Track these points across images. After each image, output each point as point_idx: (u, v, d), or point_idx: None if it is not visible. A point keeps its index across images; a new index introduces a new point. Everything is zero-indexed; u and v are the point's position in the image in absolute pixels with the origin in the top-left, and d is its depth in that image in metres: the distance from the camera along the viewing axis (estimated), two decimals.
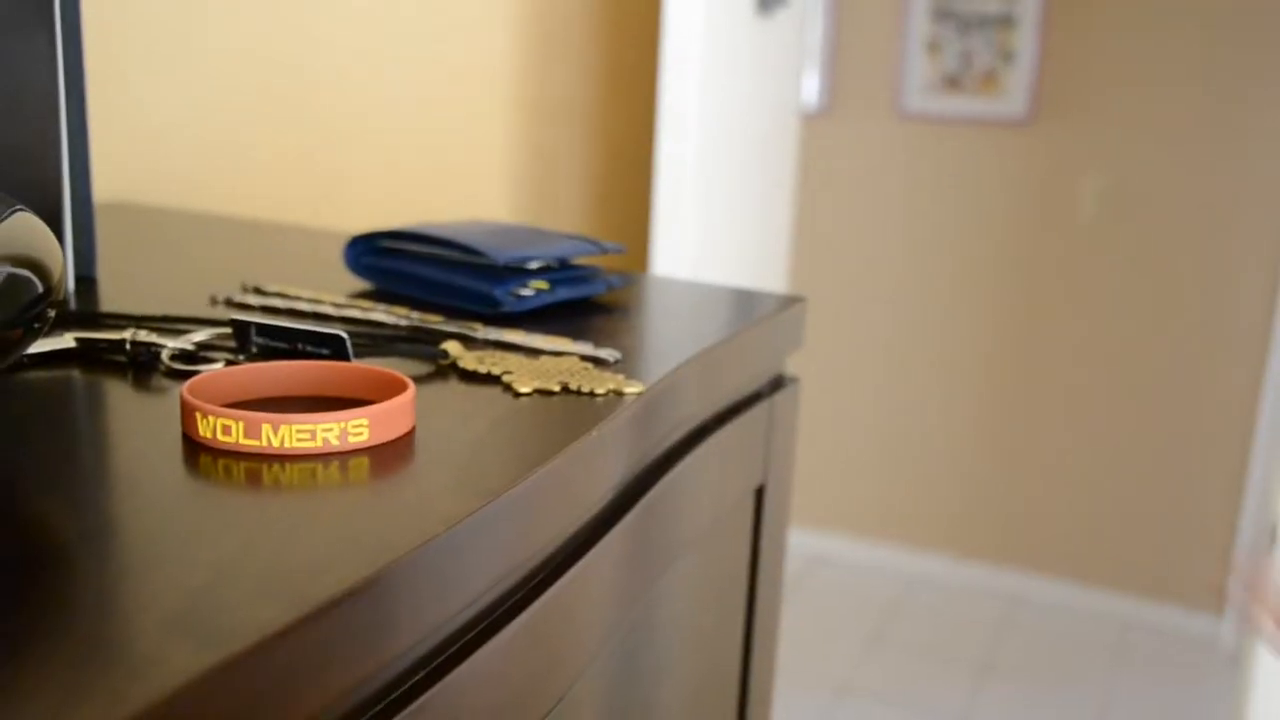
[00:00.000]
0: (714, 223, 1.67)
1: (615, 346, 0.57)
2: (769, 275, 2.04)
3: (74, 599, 0.29)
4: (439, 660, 0.37)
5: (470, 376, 0.51)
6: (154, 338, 0.50)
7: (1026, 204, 3.27)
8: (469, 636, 0.39)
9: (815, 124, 3.47)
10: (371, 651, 0.32)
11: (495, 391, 0.49)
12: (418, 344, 0.54)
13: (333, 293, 0.65)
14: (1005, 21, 3.21)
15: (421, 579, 0.34)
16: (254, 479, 0.38)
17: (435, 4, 1.35)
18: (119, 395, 0.45)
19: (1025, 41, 3.19)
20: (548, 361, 0.53)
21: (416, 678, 0.36)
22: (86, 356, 0.50)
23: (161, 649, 0.26)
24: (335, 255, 0.77)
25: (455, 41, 1.39)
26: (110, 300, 0.60)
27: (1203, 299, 3.11)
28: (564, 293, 0.64)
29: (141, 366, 0.49)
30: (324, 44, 1.18)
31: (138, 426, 0.42)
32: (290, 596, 0.30)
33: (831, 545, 3.68)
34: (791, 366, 3.62)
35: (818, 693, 2.91)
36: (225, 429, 0.38)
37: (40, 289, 0.37)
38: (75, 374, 0.48)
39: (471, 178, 1.47)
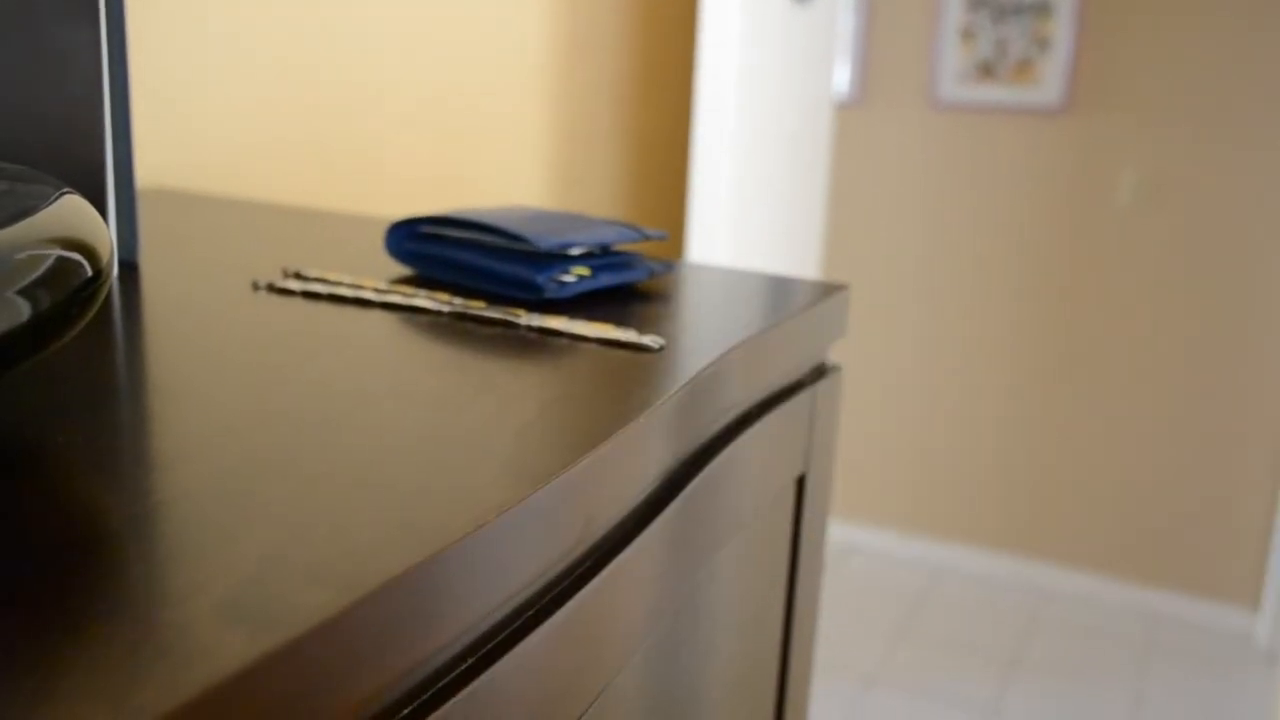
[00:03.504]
0: (749, 212, 1.66)
1: (658, 333, 0.56)
2: (803, 264, 2.03)
3: (127, 583, 0.29)
4: (488, 647, 0.37)
5: (518, 357, 0.50)
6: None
7: (1061, 194, 3.24)
8: (517, 624, 0.38)
9: (848, 114, 3.45)
10: (423, 638, 0.31)
11: (541, 376, 0.48)
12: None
13: (374, 278, 0.65)
14: (1041, 9, 3.18)
15: (472, 565, 0.33)
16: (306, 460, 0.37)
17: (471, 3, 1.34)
18: (164, 373, 0.45)
19: (1061, 30, 3.15)
20: None
21: (466, 664, 0.36)
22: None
23: (215, 635, 0.26)
24: (376, 241, 0.77)
25: (492, 29, 1.39)
26: (153, 285, 0.60)
27: (1239, 289, 3.07)
28: (606, 279, 0.64)
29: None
30: (362, 32, 1.18)
31: (190, 411, 0.42)
32: (342, 582, 0.29)
33: (860, 536, 3.67)
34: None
35: (845, 683, 2.90)
36: None
37: (89, 272, 0.37)
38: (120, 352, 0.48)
39: (508, 165, 1.46)
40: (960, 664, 3.00)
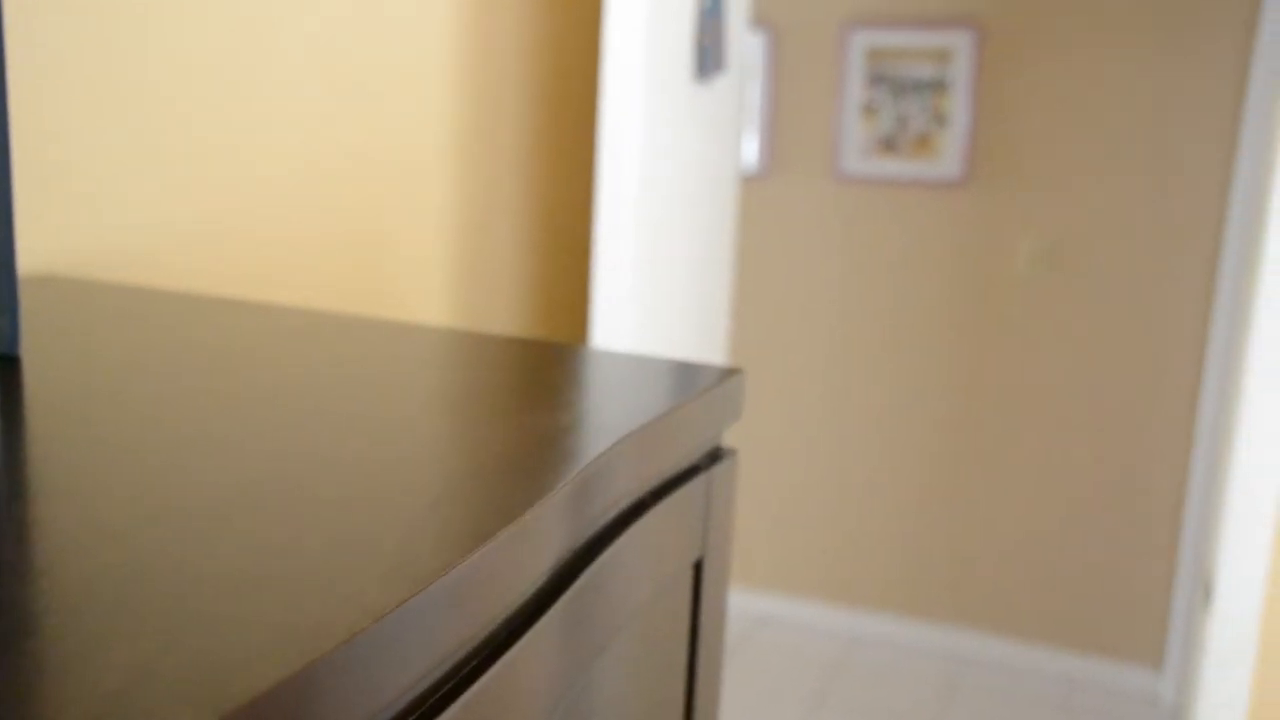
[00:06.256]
0: (655, 289, 1.67)
1: (554, 421, 0.56)
2: (710, 336, 2.05)
3: None
4: None
5: (404, 450, 0.50)
6: None
7: (962, 263, 3.32)
8: None
9: (755, 186, 3.51)
10: None
11: (429, 469, 0.48)
12: None
13: None
14: (938, 86, 3.28)
15: (349, 673, 0.33)
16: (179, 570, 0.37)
17: (372, 81, 1.35)
18: (42, 472, 0.44)
19: (958, 105, 3.26)
20: None
21: None
22: None
23: None
24: (276, 329, 0.76)
25: (398, 113, 1.39)
26: (35, 378, 0.59)
27: (1138, 352, 3.17)
28: None
29: None
30: (260, 111, 1.18)
31: (69, 513, 0.41)
32: (209, 699, 0.29)
33: (774, 606, 3.67)
34: (732, 426, 3.63)
35: None
36: None
37: None
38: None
39: (412, 246, 1.46)
40: None
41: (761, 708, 3.11)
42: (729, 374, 0.68)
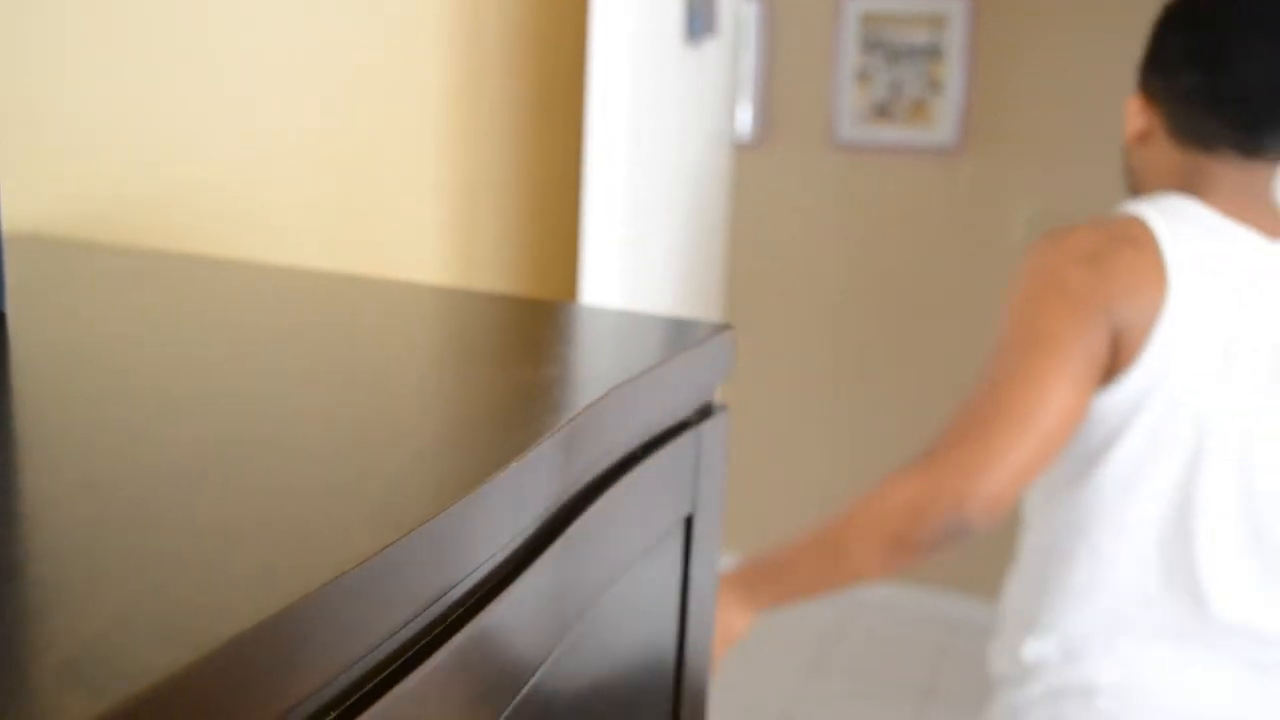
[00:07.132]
0: (645, 256, 1.67)
1: (542, 374, 0.56)
2: (704, 306, 2.05)
3: None
4: (353, 699, 0.36)
5: (390, 402, 0.50)
6: None
7: (958, 231, 3.32)
8: (385, 674, 0.38)
9: (749, 154, 3.50)
10: (278, 693, 0.31)
11: (414, 421, 0.48)
12: None
13: None
14: (933, 52, 3.27)
15: (332, 616, 0.33)
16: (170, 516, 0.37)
17: (362, 34, 1.34)
18: (27, 426, 0.44)
19: (953, 72, 3.24)
20: None
21: (328, 718, 0.35)
22: None
23: (53, 699, 0.25)
24: (263, 287, 0.76)
25: (390, 76, 1.38)
26: (20, 335, 0.58)
27: None
28: None
29: None
30: (249, 67, 1.17)
31: (52, 465, 0.41)
32: (192, 638, 0.29)
33: None
34: (727, 394, 3.63)
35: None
36: None
37: None
38: None
39: (397, 205, 1.46)
40: (873, 698, 3.03)
41: (757, 675, 3.13)
42: (719, 329, 0.68)
